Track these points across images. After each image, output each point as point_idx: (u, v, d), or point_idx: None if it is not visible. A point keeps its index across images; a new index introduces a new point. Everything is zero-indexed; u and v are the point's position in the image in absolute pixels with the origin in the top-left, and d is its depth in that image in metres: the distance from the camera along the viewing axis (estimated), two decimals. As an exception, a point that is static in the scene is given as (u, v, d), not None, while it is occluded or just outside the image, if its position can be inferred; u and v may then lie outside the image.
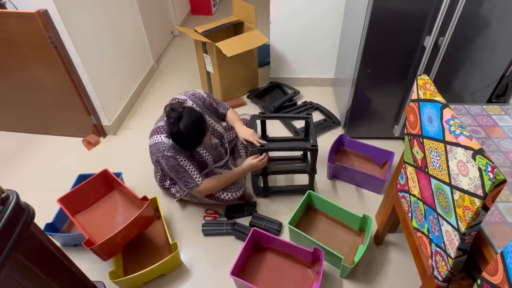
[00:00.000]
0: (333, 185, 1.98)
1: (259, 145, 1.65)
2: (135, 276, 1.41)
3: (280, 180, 2.02)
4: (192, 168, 1.56)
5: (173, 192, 1.78)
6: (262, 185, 1.88)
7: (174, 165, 1.52)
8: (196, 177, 1.57)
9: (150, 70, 3.01)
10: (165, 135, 1.52)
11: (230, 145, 1.97)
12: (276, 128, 2.40)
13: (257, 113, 1.93)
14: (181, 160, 1.53)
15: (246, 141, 1.70)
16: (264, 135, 1.97)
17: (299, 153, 2.14)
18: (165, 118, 1.48)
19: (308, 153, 2.05)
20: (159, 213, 1.73)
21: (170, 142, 1.50)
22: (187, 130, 1.38)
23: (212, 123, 1.74)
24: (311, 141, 1.71)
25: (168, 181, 1.75)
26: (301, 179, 2.02)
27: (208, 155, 1.69)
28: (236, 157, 1.99)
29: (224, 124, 1.86)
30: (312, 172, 1.79)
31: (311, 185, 1.86)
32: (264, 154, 1.67)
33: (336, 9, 2.37)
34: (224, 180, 1.65)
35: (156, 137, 1.56)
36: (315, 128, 2.34)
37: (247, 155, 1.98)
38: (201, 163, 1.68)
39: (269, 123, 2.42)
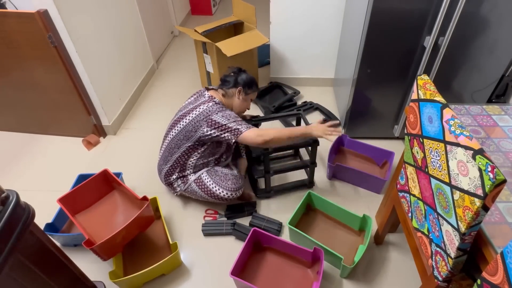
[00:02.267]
0: (333, 185, 1.98)
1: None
2: (135, 276, 1.41)
3: (276, 180, 2.02)
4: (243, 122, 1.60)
5: (175, 186, 1.78)
6: (263, 186, 1.88)
7: (230, 114, 1.60)
8: (247, 126, 1.57)
9: (150, 70, 3.01)
10: (213, 103, 1.61)
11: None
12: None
13: (257, 113, 1.94)
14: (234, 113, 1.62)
15: None
16: None
17: (291, 150, 2.17)
18: (206, 94, 1.67)
19: (305, 148, 2.06)
20: (159, 213, 1.73)
21: (221, 105, 1.62)
22: (250, 75, 1.73)
23: None
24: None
25: (175, 174, 1.75)
26: (297, 175, 2.02)
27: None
28: (236, 157, 1.99)
29: None
30: (312, 165, 1.82)
31: (311, 179, 1.88)
32: (335, 126, 1.64)
33: (336, 9, 2.37)
34: (286, 132, 1.57)
35: (205, 105, 1.61)
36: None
37: (247, 155, 1.98)
38: (227, 151, 1.77)
39: (269, 124, 2.43)
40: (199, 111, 1.61)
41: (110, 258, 1.47)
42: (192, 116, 1.62)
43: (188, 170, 1.74)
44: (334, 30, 2.48)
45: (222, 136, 1.57)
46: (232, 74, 1.73)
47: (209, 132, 1.58)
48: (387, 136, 2.25)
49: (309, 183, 1.89)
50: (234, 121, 1.56)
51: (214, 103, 1.62)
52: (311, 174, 1.86)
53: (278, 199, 1.90)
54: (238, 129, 1.54)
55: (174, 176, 1.76)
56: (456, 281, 1.02)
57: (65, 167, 2.15)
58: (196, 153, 1.68)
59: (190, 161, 1.71)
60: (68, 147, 2.31)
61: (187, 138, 1.64)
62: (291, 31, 2.52)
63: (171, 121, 1.74)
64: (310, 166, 1.82)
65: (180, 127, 1.66)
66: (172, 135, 1.70)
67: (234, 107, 1.73)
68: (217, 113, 1.58)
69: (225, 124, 1.55)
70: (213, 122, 1.56)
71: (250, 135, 1.53)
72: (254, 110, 2.60)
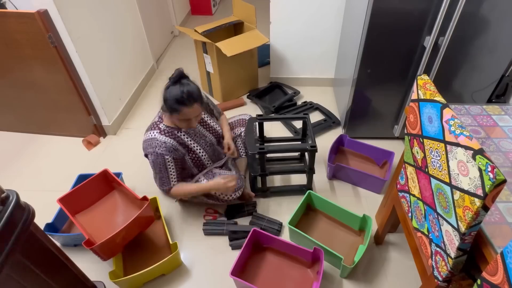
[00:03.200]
0: (333, 185, 1.98)
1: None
2: (135, 276, 1.41)
3: (278, 180, 2.02)
4: (173, 171, 1.61)
5: None
6: (260, 185, 1.88)
7: (159, 163, 1.56)
8: (172, 180, 1.63)
9: (150, 70, 3.01)
10: (158, 131, 1.56)
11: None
12: (276, 128, 2.40)
13: (257, 113, 1.93)
14: (168, 161, 1.57)
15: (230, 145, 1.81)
16: (261, 137, 1.97)
17: (296, 153, 2.14)
18: (159, 113, 1.61)
19: (306, 153, 2.05)
20: (159, 213, 1.73)
21: (163, 139, 1.54)
22: (181, 88, 1.43)
23: (209, 119, 1.76)
24: (310, 142, 1.71)
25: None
26: (299, 179, 2.02)
27: (203, 153, 1.70)
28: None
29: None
30: (310, 171, 1.79)
31: (309, 185, 1.86)
32: (233, 179, 1.62)
33: (336, 9, 2.37)
34: (193, 189, 1.66)
35: (151, 133, 1.58)
36: (315, 128, 2.35)
37: (247, 155, 1.98)
38: (197, 162, 1.70)
39: (270, 123, 2.43)
40: (145, 137, 1.59)
41: (110, 258, 1.47)
42: (143, 139, 1.61)
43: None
44: (334, 30, 2.48)
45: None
46: (167, 82, 1.50)
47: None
48: (387, 136, 2.25)
49: (306, 189, 1.88)
50: (156, 173, 1.62)
51: (158, 131, 1.55)
52: (309, 180, 1.85)
53: (278, 199, 1.90)
54: (160, 188, 1.67)
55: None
56: (456, 281, 1.02)
57: (65, 167, 2.15)
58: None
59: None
60: (68, 147, 2.31)
61: None
62: (291, 31, 2.52)
63: None
64: (308, 172, 1.81)
65: (144, 138, 1.65)
66: None
67: (177, 125, 1.58)
68: (151, 154, 1.55)
69: (152, 169, 1.63)
70: (148, 160, 1.61)
71: (168, 194, 1.70)
72: (255, 110, 2.60)
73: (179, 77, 1.46)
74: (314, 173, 1.81)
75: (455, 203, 0.84)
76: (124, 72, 2.55)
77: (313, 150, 1.66)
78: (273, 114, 2.48)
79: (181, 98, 1.42)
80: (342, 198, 1.90)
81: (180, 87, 1.43)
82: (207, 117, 1.76)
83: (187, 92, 1.43)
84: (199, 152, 1.68)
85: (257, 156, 1.70)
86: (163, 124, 1.58)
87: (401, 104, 2.06)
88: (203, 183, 1.66)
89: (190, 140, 1.64)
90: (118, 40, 2.44)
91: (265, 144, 1.80)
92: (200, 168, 1.74)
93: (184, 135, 1.62)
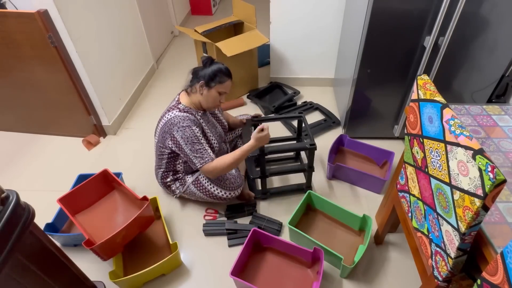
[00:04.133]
0: (333, 185, 1.98)
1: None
2: (135, 276, 1.41)
3: (275, 182, 2.02)
4: (205, 143, 1.58)
5: (173, 189, 1.78)
6: (259, 188, 1.88)
7: (190, 136, 1.54)
8: (210, 152, 1.58)
9: (150, 70, 3.01)
10: (177, 110, 1.57)
11: (230, 145, 1.98)
12: (276, 129, 2.40)
13: (257, 113, 1.93)
14: (197, 131, 1.56)
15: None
16: None
17: (292, 153, 2.14)
18: (176, 98, 1.65)
19: (303, 152, 2.05)
20: (159, 213, 1.73)
21: (185, 114, 1.56)
22: (221, 65, 1.60)
23: (218, 112, 1.79)
24: (308, 140, 1.71)
25: (170, 177, 1.75)
26: (297, 178, 2.02)
27: (215, 142, 1.71)
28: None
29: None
30: (310, 170, 1.80)
31: (308, 184, 1.87)
32: (262, 126, 1.59)
33: (336, 9, 2.37)
34: (232, 157, 1.57)
35: (169, 113, 1.58)
36: (315, 128, 2.35)
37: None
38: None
39: (270, 124, 2.41)
40: (165, 120, 1.59)
41: (110, 258, 1.47)
42: (161, 124, 1.62)
43: (180, 173, 1.75)
44: (334, 30, 2.48)
45: (185, 159, 1.62)
46: (201, 66, 1.62)
47: (174, 148, 1.61)
48: (387, 136, 2.25)
49: (306, 187, 1.88)
50: (191, 149, 1.55)
51: (178, 110, 1.57)
52: (308, 179, 1.85)
53: (278, 199, 1.90)
54: (194, 163, 1.58)
55: (169, 179, 1.76)
56: (456, 281, 1.02)
57: (65, 167, 2.15)
58: (179, 159, 1.69)
59: (178, 165, 1.72)
60: (68, 147, 2.31)
61: (164, 145, 1.65)
62: (291, 31, 2.52)
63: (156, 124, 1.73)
64: (307, 170, 1.81)
65: (157, 133, 1.67)
66: (155, 140, 1.71)
67: (202, 104, 1.62)
68: (178, 131, 1.54)
69: (185, 151, 1.57)
70: (175, 141, 1.57)
71: (204, 171, 1.59)
72: (254, 110, 2.60)
73: (211, 59, 1.62)
74: (314, 171, 1.81)
75: (455, 203, 0.84)
76: (124, 72, 2.55)
77: (312, 149, 1.66)
78: (272, 115, 2.48)
79: (226, 70, 1.59)
80: (342, 198, 1.90)
81: (217, 64, 1.59)
82: (217, 109, 1.80)
83: (226, 67, 1.60)
84: (211, 139, 1.69)
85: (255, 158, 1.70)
86: (182, 105, 1.60)
87: (401, 104, 2.06)
88: (244, 146, 1.58)
89: (206, 126, 1.66)
90: (118, 40, 2.44)
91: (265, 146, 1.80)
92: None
93: (200, 119, 1.64)
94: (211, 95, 1.58)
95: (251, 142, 1.57)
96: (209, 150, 1.58)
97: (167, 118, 1.58)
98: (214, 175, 1.62)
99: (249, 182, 1.95)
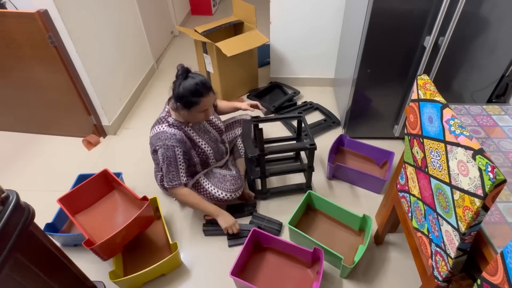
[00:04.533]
0: (333, 185, 1.98)
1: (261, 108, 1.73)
2: (135, 276, 1.41)
3: (275, 181, 2.02)
4: (183, 167, 1.58)
5: None
6: (259, 188, 1.88)
7: (169, 156, 1.53)
8: (182, 176, 1.58)
9: (150, 70, 3.01)
10: (167, 125, 1.55)
11: (230, 145, 1.98)
12: (277, 128, 2.40)
13: (257, 113, 1.93)
14: (178, 154, 1.54)
15: (252, 106, 1.81)
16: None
17: (291, 153, 2.14)
18: (166, 108, 1.60)
19: (303, 152, 2.05)
20: (159, 213, 1.73)
21: (172, 131, 1.53)
22: (193, 81, 1.45)
23: (212, 116, 1.77)
24: (308, 140, 1.72)
25: None
26: (297, 178, 2.01)
27: (208, 148, 1.70)
28: (236, 157, 1.99)
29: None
30: (310, 169, 1.80)
31: (308, 183, 1.87)
32: (235, 228, 1.64)
33: (336, 9, 2.37)
34: (197, 202, 1.62)
35: (159, 127, 1.57)
36: (315, 128, 2.35)
37: (245, 156, 1.98)
38: (202, 156, 1.69)
39: (270, 124, 2.42)
40: (154, 132, 1.58)
41: (110, 258, 1.47)
42: (151, 134, 1.61)
43: None
44: (334, 30, 2.48)
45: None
46: (175, 80, 1.51)
47: (156, 158, 1.61)
48: (387, 136, 2.25)
49: (306, 187, 1.88)
50: (166, 169, 1.55)
51: (167, 124, 1.55)
52: (308, 178, 1.85)
53: (278, 199, 1.90)
54: (165, 180, 1.58)
55: None
56: (456, 281, 1.02)
57: (65, 167, 2.15)
58: None
59: None
60: (68, 147, 2.31)
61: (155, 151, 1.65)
62: (291, 31, 2.52)
63: None
64: (307, 170, 1.81)
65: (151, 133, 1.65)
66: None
67: (189, 121, 1.60)
68: (161, 147, 1.52)
69: (162, 167, 1.56)
70: (156, 155, 1.58)
71: (171, 191, 1.62)
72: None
73: (186, 72, 1.48)
74: (314, 171, 1.81)
75: (455, 203, 0.84)
76: (124, 72, 2.55)
77: (312, 148, 1.67)
78: (272, 115, 2.48)
79: (198, 89, 1.45)
80: (342, 198, 1.90)
81: (191, 80, 1.46)
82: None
83: (201, 82, 1.46)
84: (205, 147, 1.68)
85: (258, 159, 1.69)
86: (172, 118, 1.58)
87: (401, 104, 2.06)
88: (210, 205, 1.65)
89: (196, 136, 1.65)
90: (118, 40, 2.44)
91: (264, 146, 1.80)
92: (204, 166, 1.74)
93: (190, 130, 1.62)
94: (193, 116, 1.53)
95: (218, 212, 1.65)
96: (182, 175, 1.57)
97: (156, 131, 1.57)
98: (178, 199, 1.71)
99: (249, 182, 1.95)
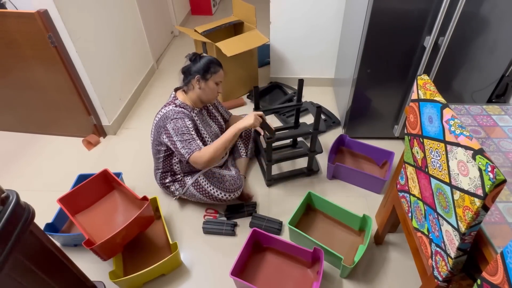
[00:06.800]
0: (333, 185, 1.98)
1: (259, 117, 1.59)
2: (135, 276, 1.41)
3: (275, 171, 2.05)
4: (195, 134, 1.55)
5: (172, 190, 1.78)
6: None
7: (181, 126, 1.53)
8: (199, 142, 1.54)
9: (150, 70, 3.01)
10: (173, 106, 1.61)
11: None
12: (274, 125, 2.39)
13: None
14: (188, 123, 1.56)
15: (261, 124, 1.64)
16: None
17: (289, 141, 2.23)
18: (173, 94, 1.69)
19: (302, 138, 2.22)
20: (159, 213, 1.73)
21: (180, 109, 1.59)
22: (209, 57, 1.63)
23: (214, 111, 1.84)
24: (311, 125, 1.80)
25: (169, 178, 1.75)
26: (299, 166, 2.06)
27: (209, 140, 1.72)
28: (235, 157, 1.99)
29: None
30: (312, 154, 1.87)
31: (309, 166, 1.93)
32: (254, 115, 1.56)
33: (336, 9, 2.37)
34: (219, 143, 1.51)
35: (165, 108, 1.61)
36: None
37: (247, 155, 1.98)
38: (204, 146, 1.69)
39: (268, 119, 2.41)
40: (160, 115, 1.61)
41: (110, 258, 1.47)
42: (156, 119, 1.63)
43: (179, 174, 1.75)
44: (334, 30, 2.48)
45: (176, 152, 1.58)
46: (188, 63, 1.65)
47: (167, 141, 1.58)
48: (387, 136, 2.25)
49: (308, 170, 1.90)
50: (180, 140, 1.51)
51: (174, 105, 1.60)
52: (309, 162, 1.89)
53: (278, 199, 1.90)
54: (182, 154, 1.52)
55: (167, 180, 1.76)
56: (456, 281, 1.02)
57: (65, 167, 2.15)
58: (174, 158, 1.69)
59: (175, 165, 1.72)
60: (68, 147, 2.31)
61: (159, 142, 1.65)
62: (291, 31, 2.52)
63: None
64: (309, 154, 1.86)
65: (153, 131, 1.69)
66: (151, 139, 1.72)
67: (201, 98, 1.66)
68: (170, 122, 1.54)
69: (175, 143, 1.54)
70: (168, 133, 1.56)
71: (192, 161, 1.51)
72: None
73: (198, 54, 1.65)
74: (316, 153, 1.89)
75: (455, 203, 0.84)
76: (124, 72, 2.55)
77: (315, 133, 1.76)
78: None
79: (216, 60, 1.64)
80: (342, 198, 1.90)
81: (206, 57, 1.63)
82: (212, 108, 1.83)
83: (215, 58, 1.65)
84: (205, 137, 1.70)
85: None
86: (179, 100, 1.63)
87: (401, 104, 2.06)
88: (228, 131, 1.53)
89: (200, 123, 1.69)
90: (118, 40, 2.44)
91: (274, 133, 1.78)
92: None
93: (195, 116, 1.66)
94: (209, 87, 1.63)
95: (236, 125, 1.53)
96: (198, 141, 1.54)
97: (162, 112, 1.60)
98: (204, 162, 1.49)
99: (266, 169, 1.91)
